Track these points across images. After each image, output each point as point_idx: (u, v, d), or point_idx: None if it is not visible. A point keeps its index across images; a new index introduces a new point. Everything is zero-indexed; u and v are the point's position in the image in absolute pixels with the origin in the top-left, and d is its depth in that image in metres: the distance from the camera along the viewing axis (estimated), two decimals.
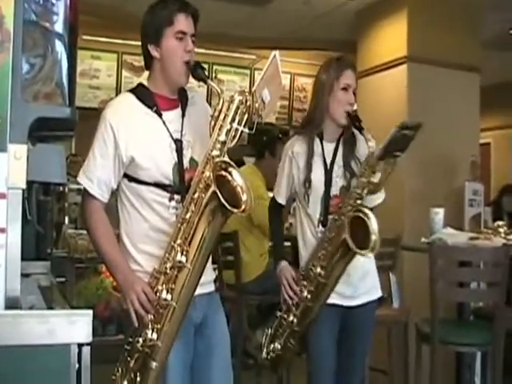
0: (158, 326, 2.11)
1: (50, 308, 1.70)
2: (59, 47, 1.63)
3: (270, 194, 4.79)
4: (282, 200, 3.00)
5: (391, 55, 5.38)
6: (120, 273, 2.24)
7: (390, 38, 5.44)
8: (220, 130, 2.15)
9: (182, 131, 2.31)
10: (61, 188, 5.43)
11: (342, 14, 5.85)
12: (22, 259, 1.57)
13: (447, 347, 3.53)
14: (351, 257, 2.65)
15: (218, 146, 2.14)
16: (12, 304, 1.51)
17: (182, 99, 2.37)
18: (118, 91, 6.98)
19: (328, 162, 2.80)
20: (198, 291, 2.21)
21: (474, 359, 4.06)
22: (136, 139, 2.25)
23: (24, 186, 1.56)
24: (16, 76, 1.53)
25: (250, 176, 4.34)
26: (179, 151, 2.27)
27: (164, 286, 2.11)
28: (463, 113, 5.41)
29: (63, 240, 5.71)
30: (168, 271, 2.11)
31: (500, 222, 4.25)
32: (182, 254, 2.07)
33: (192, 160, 2.30)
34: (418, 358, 3.72)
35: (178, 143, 2.28)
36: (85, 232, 5.75)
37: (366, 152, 2.67)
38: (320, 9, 5.78)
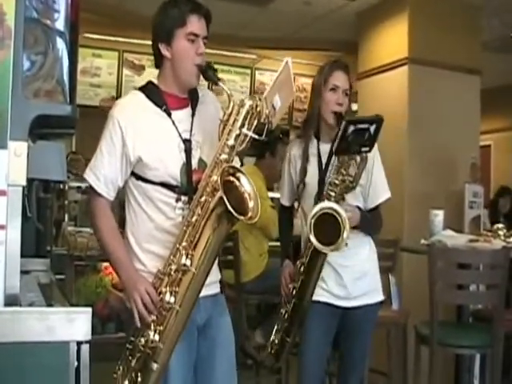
0: (161, 328, 2.09)
1: (50, 305, 1.70)
2: (60, 45, 1.63)
3: (270, 194, 4.84)
4: (285, 202, 3.05)
5: (392, 57, 5.38)
6: (124, 271, 2.23)
7: (391, 40, 5.44)
8: (229, 134, 2.12)
9: (191, 131, 2.27)
10: (61, 186, 5.42)
11: (343, 14, 5.85)
12: (22, 256, 1.57)
13: (446, 349, 3.52)
14: (322, 257, 2.68)
15: (227, 150, 2.11)
16: (11, 301, 1.50)
17: (192, 98, 2.34)
18: (118, 89, 7.00)
19: (324, 162, 2.82)
20: (203, 293, 2.18)
21: (472, 361, 4.05)
22: (144, 138, 2.22)
23: (24, 183, 1.55)
24: (17, 73, 1.53)
25: (252, 176, 4.32)
26: (188, 152, 2.24)
27: (168, 288, 2.09)
28: (464, 115, 5.41)
29: (63, 237, 5.70)
30: (172, 273, 2.09)
31: (500, 225, 4.25)
32: (186, 257, 2.05)
33: (201, 161, 2.27)
34: (417, 360, 3.72)
35: (187, 143, 2.25)
36: (84, 229, 5.77)
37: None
38: (321, 9, 5.79)
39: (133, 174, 2.27)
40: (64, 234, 5.70)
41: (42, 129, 1.69)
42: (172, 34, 2.23)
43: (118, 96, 6.97)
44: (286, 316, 2.80)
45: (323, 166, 2.81)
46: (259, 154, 4.78)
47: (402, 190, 4.99)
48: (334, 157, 2.76)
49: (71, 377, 1.44)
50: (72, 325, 1.45)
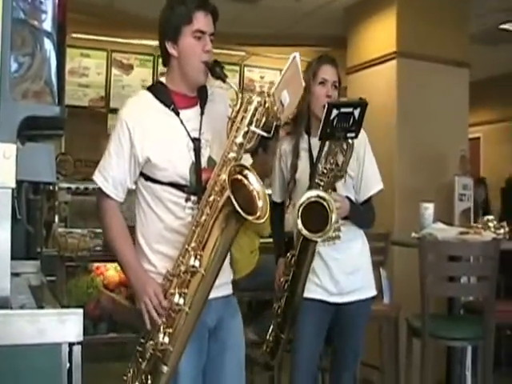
0: (170, 331, 2.07)
1: (41, 307, 1.69)
2: (48, 45, 1.62)
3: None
4: (276, 198, 3.05)
5: (381, 51, 5.40)
6: (132, 273, 2.23)
7: (380, 34, 5.45)
8: (237, 131, 2.10)
9: (200, 130, 2.26)
10: (50, 187, 5.41)
11: (331, 10, 5.86)
12: (12, 258, 1.56)
13: (438, 342, 3.54)
14: (312, 247, 2.66)
15: (235, 148, 2.09)
16: (2, 304, 1.50)
17: (201, 97, 2.32)
18: (107, 89, 6.97)
19: (315, 157, 2.81)
20: (214, 294, 2.17)
21: (464, 353, 4.07)
22: (152, 139, 2.21)
23: (13, 185, 1.55)
24: (4, 75, 1.52)
25: None
26: (197, 151, 2.23)
27: (177, 289, 2.06)
28: (453, 107, 5.43)
29: (53, 239, 5.69)
30: (181, 275, 2.06)
31: (490, 217, 4.26)
32: (195, 258, 2.02)
33: (210, 159, 2.25)
34: (409, 352, 3.74)
35: (196, 142, 2.23)
36: (75, 230, 5.77)
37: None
38: (310, 5, 5.79)
39: (142, 174, 2.26)
40: (54, 236, 5.69)
41: (30, 130, 1.68)
42: (178, 31, 2.22)
43: (107, 96, 6.97)
44: (279, 311, 2.80)
45: (314, 161, 2.81)
46: (252, 151, 4.76)
47: (392, 183, 5.00)
48: (324, 151, 2.77)
49: (63, 378, 1.44)
50: (63, 326, 1.45)
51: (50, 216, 5.96)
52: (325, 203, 2.54)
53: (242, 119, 2.10)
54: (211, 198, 2.05)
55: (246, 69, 7.49)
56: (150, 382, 2.10)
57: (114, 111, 6.95)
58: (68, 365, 1.45)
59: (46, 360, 1.43)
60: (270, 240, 3.45)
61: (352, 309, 2.86)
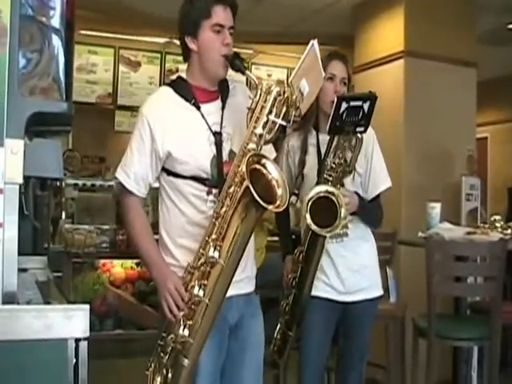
0: (190, 323, 2.07)
1: (47, 303, 1.70)
2: (56, 42, 1.62)
3: None
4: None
5: (388, 50, 5.38)
6: (154, 268, 2.25)
7: (387, 33, 5.43)
8: (256, 122, 2.09)
9: (221, 123, 2.26)
10: (58, 183, 5.42)
11: (339, 8, 5.84)
12: (19, 254, 1.56)
13: (444, 342, 3.53)
14: (321, 242, 2.65)
15: (255, 138, 2.08)
16: (9, 299, 1.51)
17: (222, 91, 2.33)
18: (114, 86, 6.99)
19: (323, 152, 2.79)
20: (235, 291, 2.19)
21: (470, 354, 4.06)
22: (173, 133, 2.23)
23: (21, 180, 1.55)
24: (13, 71, 1.52)
25: None
26: (218, 144, 2.24)
27: (197, 281, 2.06)
28: (460, 107, 5.41)
29: (60, 235, 5.71)
30: (201, 267, 2.06)
31: (497, 217, 4.26)
32: (214, 249, 2.01)
33: (231, 152, 2.26)
34: (415, 352, 3.73)
35: (217, 136, 2.24)
36: (82, 227, 5.79)
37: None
38: (317, 3, 5.78)
39: (164, 169, 2.28)
40: (61, 232, 5.71)
41: (38, 126, 1.69)
42: (198, 25, 2.22)
43: (115, 92, 6.98)
44: (287, 309, 2.78)
45: (322, 157, 2.79)
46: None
47: (399, 182, 4.98)
48: (332, 147, 2.75)
49: (69, 374, 1.44)
50: (70, 322, 1.45)
51: (57, 212, 5.98)
52: (334, 198, 2.52)
53: (261, 109, 2.09)
54: (231, 190, 2.05)
55: (253, 67, 7.49)
56: (170, 375, 2.11)
57: (122, 108, 6.98)
58: (74, 360, 1.46)
59: (53, 355, 1.44)
60: (275, 238, 3.43)
61: (359, 308, 2.85)
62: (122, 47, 6.96)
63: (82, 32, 6.28)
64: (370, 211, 2.83)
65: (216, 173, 2.22)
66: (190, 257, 2.15)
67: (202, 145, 2.23)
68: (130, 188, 2.26)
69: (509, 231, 3.98)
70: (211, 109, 2.28)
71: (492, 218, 4.26)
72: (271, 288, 3.06)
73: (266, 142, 2.12)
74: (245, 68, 2.19)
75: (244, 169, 1.96)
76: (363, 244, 2.87)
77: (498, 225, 4.09)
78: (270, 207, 1.98)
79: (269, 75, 7.58)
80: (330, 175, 2.64)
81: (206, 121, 2.25)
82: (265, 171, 2.05)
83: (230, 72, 2.28)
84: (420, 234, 3.89)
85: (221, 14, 2.22)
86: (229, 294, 2.12)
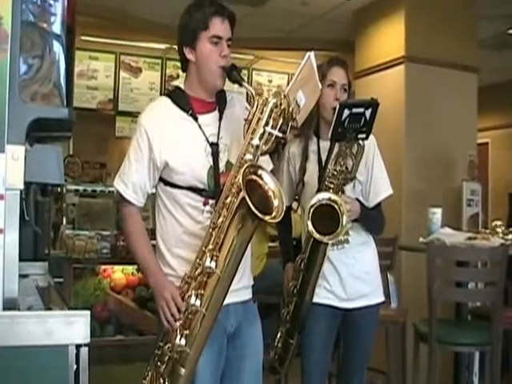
0: (187, 332, 2.07)
1: (48, 309, 1.70)
2: (57, 48, 1.63)
3: None
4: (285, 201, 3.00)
5: (389, 55, 5.38)
6: (152, 277, 2.26)
7: (388, 38, 5.44)
8: (253, 133, 2.09)
9: (218, 134, 2.28)
10: (58, 189, 5.43)
11: (340, 13, 5.85)
12: (20, 260, 1.57)
13: (445, 347, 3.52)
14: (323, 250, 2.64)
15: (251, 149, 2.08)
16: (10, 305, 1.51)
17: (219, 102, 2.34)
18: (115, 92, 6.99)
19: (323, 159, 2.80)
20: (233, 299, 2.19)
21: (471, 359, 4.06)
22: (170, 144, 2.24)
23: (22, 186, 1.55)
24: (14, 77, 1.53)
25: None
26: (215, 155, 2.24)
27: (193, 291, 2.07)
28: (461, 112, 5.41)
29: (61, 240, 5.72)
30: (198, 277, 2.07)
31: (498, 222, 4.25)
32: (211, 259, 2.01)
33: (228, 163, 2.27)
34: (416, 357, 3.73)
35: (214, 147, 2.25)
36: (82, 232, 5.79)
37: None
38: (318, 9, 5.79)
39: (161, 179, 2.29)
40: (62, 237, 5.72)
41: (39, 132, 1.69)
42: (196, 37, 2.23)
43: (115, 98, 6.98)
44: (288, 317, 2.77)
45: (323, 163, 2.79)
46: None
47: (400, 188, 4.98)
48: (333, 154, 2.74)
49: (70, 380, 1.44)
50: (71, 328, 1.45)
51: (58, 218, 6.00)
52: (336, 206, 2.52)
53: (258, 121, 2.10)
54: (228, 200, 2.05)
55: (254, 72, 7.50)
56: None
57: (122, 114, 6.98)
58: (75, 366, 1.46)
59: (53, 361, 1.44)
60: (274, 244, 3.42)
61: (360, 315, 2.84)
62: (123, 53, 6.96)
63: (83, 38, 6.28)
64: (371, 218, 2.82)
65: (213, 183, 2.23)
66: (187, 267, 2.16)
67: (198, 155, 2.24)
68: (128, 198, 2.28)
69: (510, 236, 3.97)
70: (208, 120, 2.29)
71: (493, 224, 4.26)
72: (269, 294, 3.05)
73: (263, 153, 2.13)
74: (242, 79, 2.21)
75: (240, 179, 1.97)
76: (364, 250, 2.86)
77: (499, 230, 4.09)
78: (267, 218, 1.98)
79: (270, 81, 7.59)
80: (331, 182, 2.63)
81: (203, 132, 2.26)
82: (261, 182, 2.06)
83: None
84: (421, 239, 3.88)
85: (219, 26, 2.23)
86: (226, 302, 2.12)
